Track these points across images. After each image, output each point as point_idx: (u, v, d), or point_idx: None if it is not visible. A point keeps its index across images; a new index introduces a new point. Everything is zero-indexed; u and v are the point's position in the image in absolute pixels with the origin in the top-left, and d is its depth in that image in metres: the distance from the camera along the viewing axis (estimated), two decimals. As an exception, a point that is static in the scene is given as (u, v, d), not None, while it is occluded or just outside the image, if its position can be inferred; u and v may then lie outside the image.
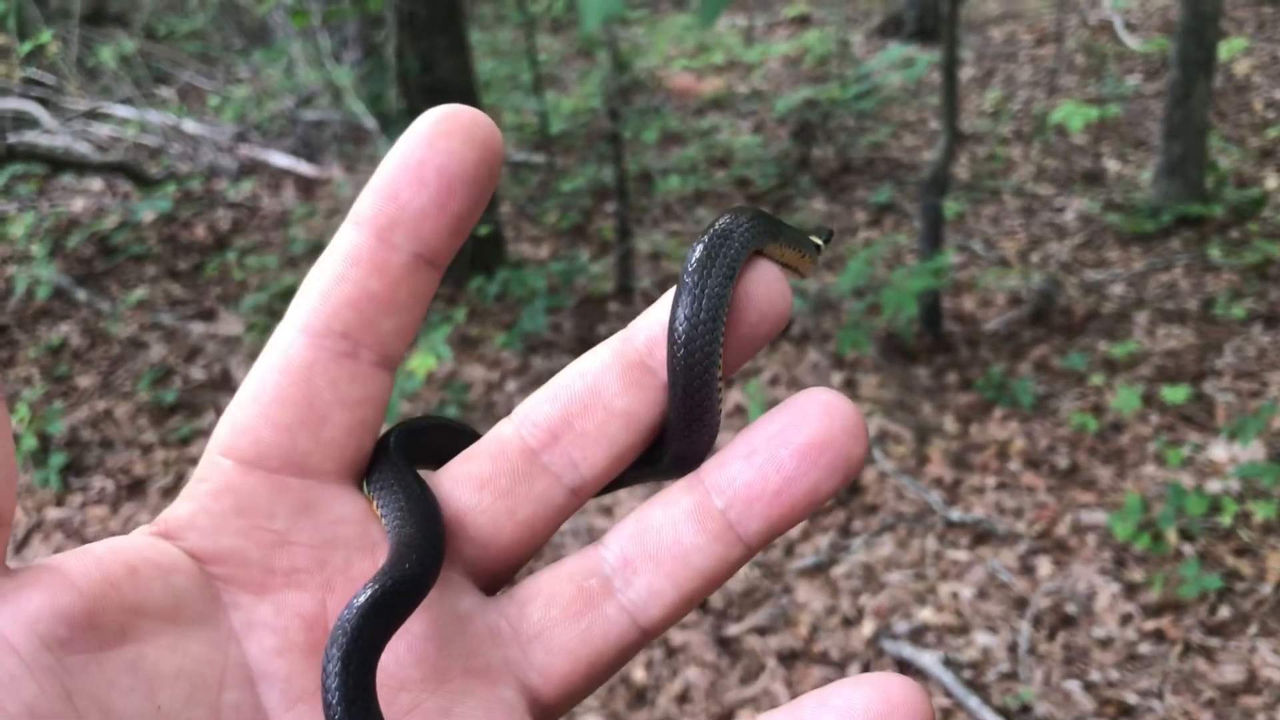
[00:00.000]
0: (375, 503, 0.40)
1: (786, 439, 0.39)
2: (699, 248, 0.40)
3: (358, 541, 0.39)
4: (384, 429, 0.43)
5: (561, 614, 0.40)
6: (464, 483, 0.41)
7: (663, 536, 0.40)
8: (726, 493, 0.40)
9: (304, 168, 6.11)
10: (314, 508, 0.39)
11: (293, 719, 0.36)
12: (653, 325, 0.41)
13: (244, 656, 0.37)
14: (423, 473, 0.42)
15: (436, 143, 0.37)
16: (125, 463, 3.95)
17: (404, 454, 0.41)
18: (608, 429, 0.41)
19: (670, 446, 0.42)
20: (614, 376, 0.41)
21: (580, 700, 0.41)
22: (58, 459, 3.90)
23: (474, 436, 0.43)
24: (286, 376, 0.38)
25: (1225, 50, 5.75)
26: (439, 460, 0.43)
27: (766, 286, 0.41)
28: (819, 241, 0.49)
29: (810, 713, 0.36)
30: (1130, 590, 2.93)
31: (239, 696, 0.36)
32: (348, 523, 0.39)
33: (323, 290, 0.38)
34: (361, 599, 0.35)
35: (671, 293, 0.41)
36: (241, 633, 0.37)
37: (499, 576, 0.42)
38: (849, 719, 0.35)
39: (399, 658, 0.38)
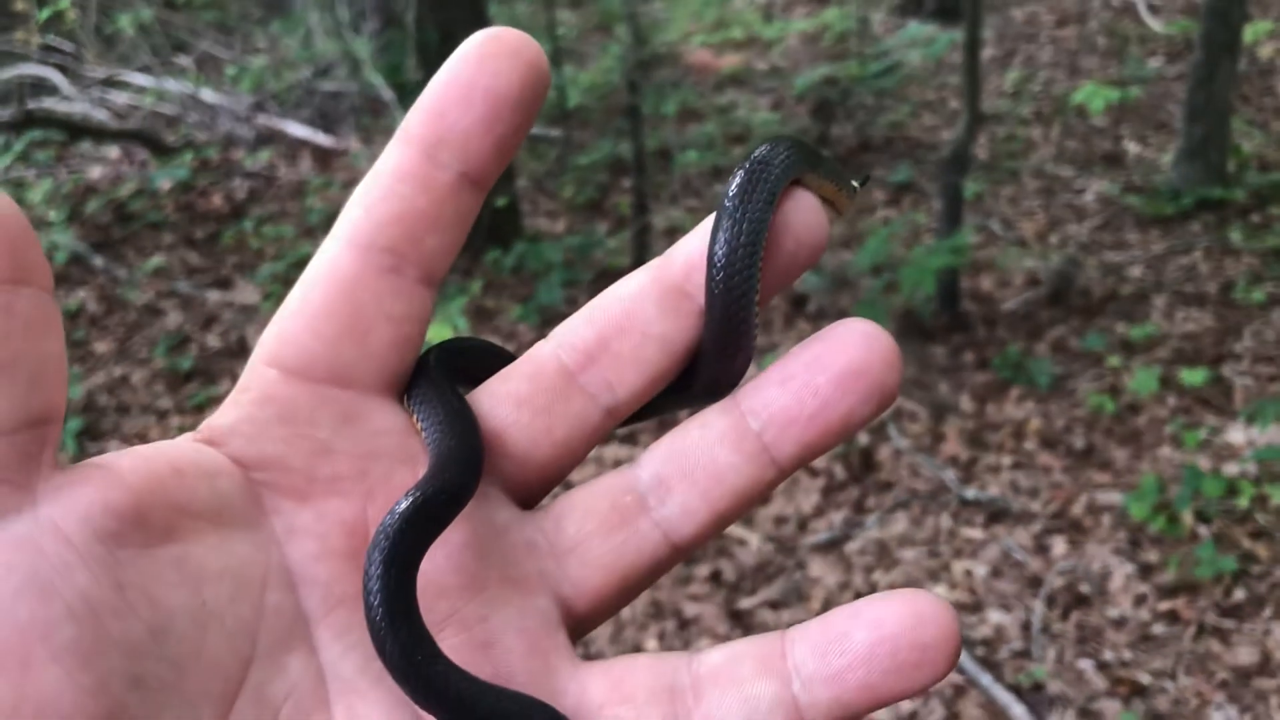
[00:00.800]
0: (415, 416, 0.41)
1: (823, 365, 0.39)
2: (740, 174, 0.40)
3: (398, 453, 0.40)
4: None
5: (596, 529, 0.41)
6: (502, 400, 0.42)
7: (698, 456, 0.41)
8: (762, 416, 0.40)
9: (321, 138, 6.10)
10: (356, 418, 0.39)
11: (332, 622, 0.37)
12: (690, 251, 0.41)
13: (285, 560, 0.37)
14: (461, 390, 0.43)
15: (485, 64, 0.38)
16: (141, 428, 3.97)
17: (444, 371, 0.42)
18: (643, 352, 0.41)
19: (705, 371, 0.42)
20: (651, 301, 0.41)
21: (612, 614, 0.42)
22: (74, 423, 3.92)
23: (511, 358, 0.44)
24: (332, 289, 0.39)
25: (1250, 33, 5.70)
26: (476, 380, 0.43)
27: (804, 215, 0.41)
28: (855, 184, 0.49)
29: (843, 624, 0.37)
30: (1145, 571, 2.92)
31: (281, 598, 0.37)
32: (389, 434, 0.40)
33: (369, 205, 0.39)
34: (404, 506, 0.36)
35: (710, 220, 0.41)
36: (283, 537, 0.38)
37: (535, 492, 0.43)
38: (879, 630, 0.36)
39: (438, 565, 0.39)
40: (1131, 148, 5.68)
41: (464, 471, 0.38)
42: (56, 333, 0.33)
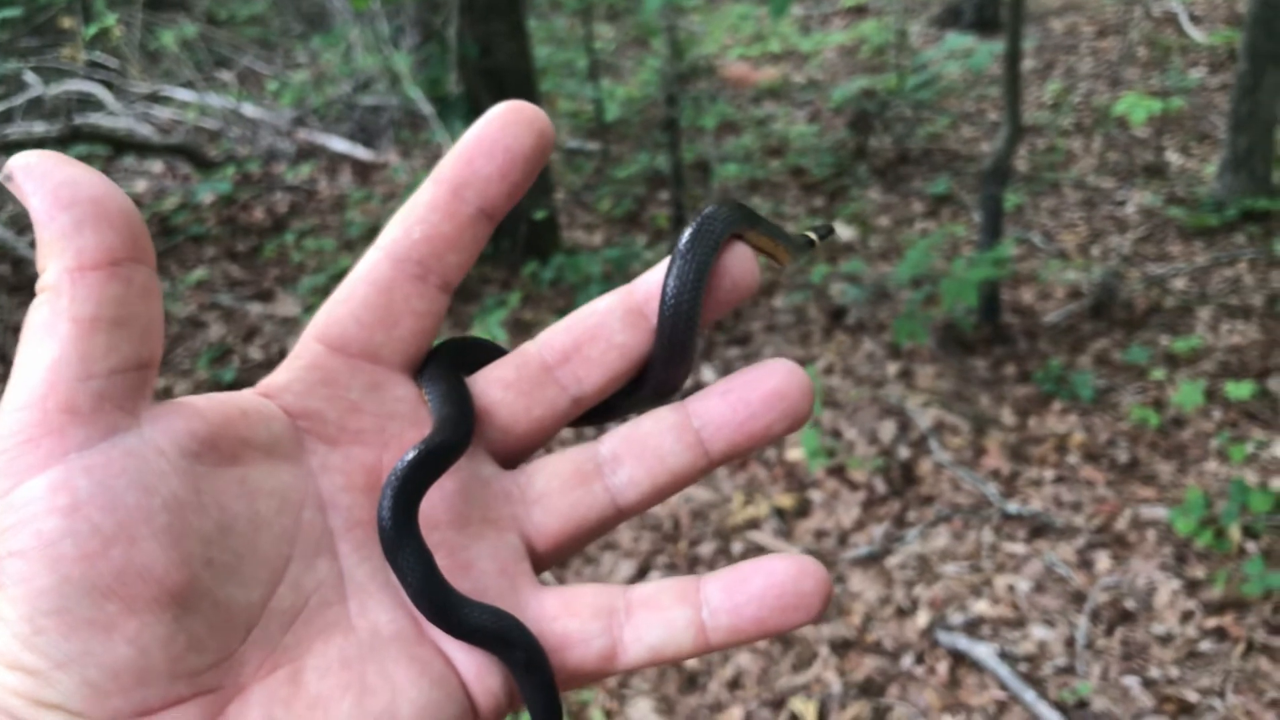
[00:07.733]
0: (425, 391, 0.52)
1: (756, 386, 0.51)
2: (692, 226, 0.51)
3: (410, 417, 0.51)
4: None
5: (560, 486, 0.52)
6: (494, 383, 0.53)
7: (648, 440, 0.52)
8: (703, 417, 0.51)
9: (361, 152, 6.15)
10: (380, 387, 0.51)
11: (351, 538, 0.48)
12: (650, 282, 0.52)
13: (319, 489, 0.48)
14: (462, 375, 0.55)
15: (507, 128, 0.48)
16: (184, 439, 4.00)
17: (450, 359, 0.53)
18: (607, 356, 0.52)
19: (653, 377, 0.53)
20: (616, 318, 0.52)
21: (565, 557, 0.53)
22: (119, 434, 3.96)
23: (505, 353, 0.56)
24: (372, 288, 0.50)
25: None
26: (476, 368, 0.54)
27: (739, 263, 0.53)
28: (812, 235, 0.61)
29: (745, 571, 0.49)
30: (1191, 587, 2.88)
31: (313, 516, 0.47)
32: (404, 402, 0.51)
33: (407, 227, 0.50)
34: (411, 454, 0.46)
35: (667, 260, 0.52)
36: (318, 472, 0.48)
37: (515, 457, 0.54)
38: (771, 578, 0.48)
39: (434, 504, 0.50)
40: (1174, 159, 5.62)
41: (458, 433, 0.49)
42: (158, 300, 0.43)
